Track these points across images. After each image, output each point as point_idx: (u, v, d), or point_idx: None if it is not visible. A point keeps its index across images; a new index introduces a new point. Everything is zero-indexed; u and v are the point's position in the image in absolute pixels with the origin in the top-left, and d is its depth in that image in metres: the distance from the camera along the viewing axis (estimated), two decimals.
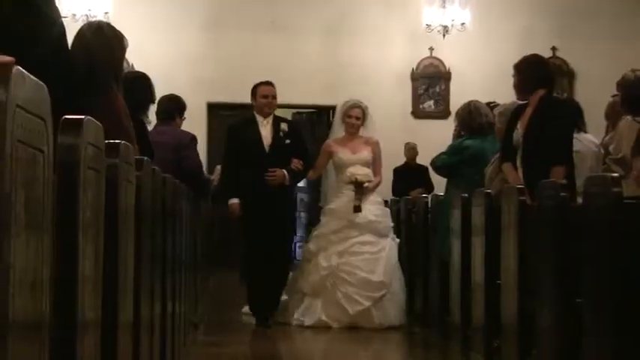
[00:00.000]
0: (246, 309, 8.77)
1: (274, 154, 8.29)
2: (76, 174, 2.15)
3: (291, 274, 8.64)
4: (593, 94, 10.36)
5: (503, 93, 10.46)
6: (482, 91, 11.95)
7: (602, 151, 7.18)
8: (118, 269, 2.82)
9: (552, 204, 5.24)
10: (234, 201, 8.33)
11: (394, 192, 12.12)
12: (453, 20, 13.73)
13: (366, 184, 8.28)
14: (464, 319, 6.98)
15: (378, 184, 8.56)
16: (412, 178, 12.53)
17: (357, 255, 8.20)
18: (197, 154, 8.01)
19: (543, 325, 5.35)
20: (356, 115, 8.56)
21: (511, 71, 6.78)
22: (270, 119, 8.46)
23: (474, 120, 7.74)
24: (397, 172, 13.06)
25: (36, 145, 1.76)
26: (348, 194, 8.38)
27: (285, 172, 8.23)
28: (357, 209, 8.20)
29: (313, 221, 8.95)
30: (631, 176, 5.45)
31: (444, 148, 9.24)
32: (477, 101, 8.05)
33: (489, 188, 6.78)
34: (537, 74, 6.55)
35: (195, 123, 10.49)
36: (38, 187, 1.79)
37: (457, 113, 8.24)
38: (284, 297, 8.54)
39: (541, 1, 14.26)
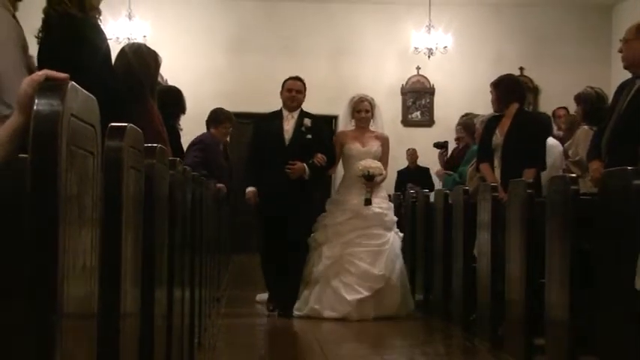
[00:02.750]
0: (259, 297, 7.88)
1: (294, 148, 7.22)
2: (120, 172, 2.14)
3: None
4: (553, 106, 10.39)
5: (478, 105, 10.48)
6: (461, 104, 11.98)
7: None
8: (155, 251, 2.81)
9: (520, 199, 5.24)
10: (251, 189, 7.33)
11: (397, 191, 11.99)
12: (436, 44, 13.71)
13: (377, 178, 7.24)
14: (446, 300, 6.97)
15: (384, 179, 7.45)
16: (413, 178, 12.33)
17: (362, 246, 7.10)
18: (194, 155, 7.43)
19: (512, 301, 5.34)
20: (365, 109, 7.42)
21: (486, 87, 6.79)
22: (295, 114, 7.37)
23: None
24: (400, 173, 13.01)
25: (87, 147, 1.75)
26: (356, 186, 7.27)
27: (305, 165, 7.17)
28: (368, 202, 7.19)
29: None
30: (589, 176, 5.44)
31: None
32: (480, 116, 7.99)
33: (469, 186, 6.76)
34: (513, 90, 6.58)
35: None
36: (88, 183, 1.78)
37: (461, 120, 8.20)
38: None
39: (511, 29, 14.25)
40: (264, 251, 7.49)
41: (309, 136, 7.28)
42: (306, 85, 7.49)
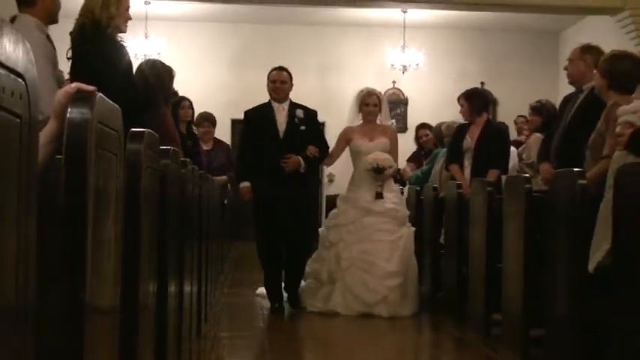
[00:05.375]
0: (259, 290, 6.75)
1: (289, 140, 6.17)
2: (139, 171, 2.14)
3: (308, 261, 6.38)
4: (510, 116, 10.44)
5: (444, 114, 10.51)
6: (430, 114, 12.00)
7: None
8: (168, 239, 2.81)
9: (481, 196, 5.26)
10: (245, 184, 6.27)
11: None
12: (410, 61, 13.73)
13: (387, 170, 6.18)
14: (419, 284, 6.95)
15: (394, 172, 6.42)
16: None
17: (375, 243, 6.03)
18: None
19: (474, 285, 5.36)
20: (373, 103, 6.35)
21: (451, 99, 6.79)
22: (286, 105, 6.30)
23: (446, 135, 7.61)
24: None
25: (111, 150, 1.75)
26: (366, 181, 6.20)
27: (300, 158, 6.14)
28: (379, 195, 6.12)
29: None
30: (540, 176, 5.47)
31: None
32: (447, 122, 7.96)
33: (444, 186, 6.76)
34: (485, 103, 6.63)
35: (222, 134, 10.48)
36: (113, 180, 1.78)
37: (435, 129, 8.16)
38: (302, 283, 6.38)
39: (474, 49, 14.30)
40: (263, 245, 6.35)
41: (303, 128, 6.24)
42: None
